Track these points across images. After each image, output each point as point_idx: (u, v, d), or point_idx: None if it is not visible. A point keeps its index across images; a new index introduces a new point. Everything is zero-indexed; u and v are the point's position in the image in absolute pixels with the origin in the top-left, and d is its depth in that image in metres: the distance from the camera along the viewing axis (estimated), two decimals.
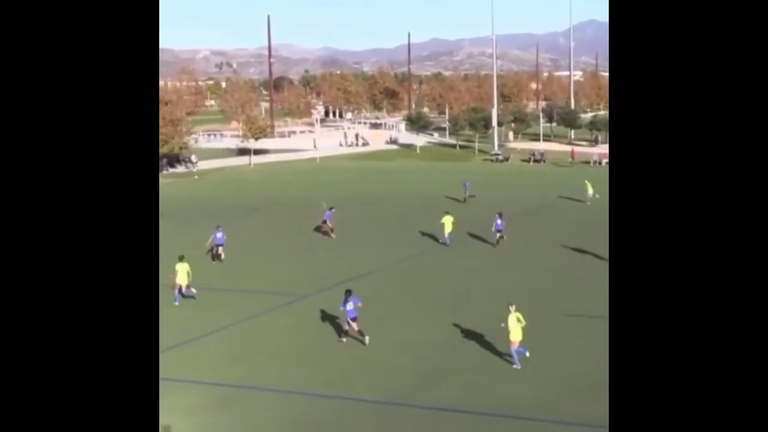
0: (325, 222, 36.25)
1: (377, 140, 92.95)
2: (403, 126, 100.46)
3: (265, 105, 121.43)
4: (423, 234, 36.02)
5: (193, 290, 25.42)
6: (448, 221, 33.31)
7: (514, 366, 18.43)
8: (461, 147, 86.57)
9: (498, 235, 33.02)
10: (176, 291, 25.23)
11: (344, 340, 20.63)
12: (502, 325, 18.71)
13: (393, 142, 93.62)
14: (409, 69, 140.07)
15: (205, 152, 75.61)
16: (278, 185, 58.83)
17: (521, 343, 18.49)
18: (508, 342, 18.55)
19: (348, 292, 20.76)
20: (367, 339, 20.18)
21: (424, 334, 21.17)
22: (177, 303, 24.95)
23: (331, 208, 37.07)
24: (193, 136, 70.17)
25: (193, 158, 70.37)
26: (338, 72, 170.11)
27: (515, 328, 18.43)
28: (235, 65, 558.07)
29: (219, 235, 31.71)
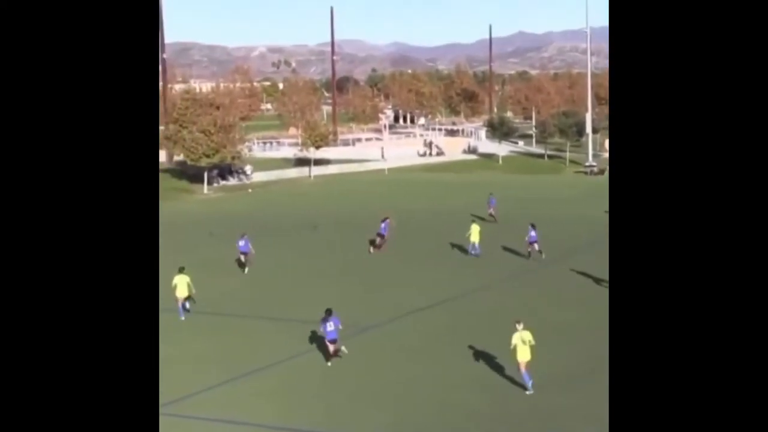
0: (381, 236, 37.56)
1: (453, 149, 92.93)
2: (483, 133, 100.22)
3: (327, 109, 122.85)
4: (503, 257, 35.81)
5: (187, 305, 27.22)
6: (474, 231, 36.05)
7: (527, 392, 19.06)
8: (550, 157, 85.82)
9: (530, 247, 34.87)
10: (179, 305, 26.86)
11: (329, 363, 21.95)
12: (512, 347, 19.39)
13: (471, 151, 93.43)
14: (490, 67, 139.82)
15: (260, 162, 76.89)
16: (341, 200, 59.45)
17: (528, 365, 19.12)
18: (516, 364, 19.24)
19: (328, 312, 22.04)
20: (344, 349, 22.13)
21: (502, 371, 20.99)
22: (183, 318, 26.66)
23: (385, 219, 38.18)
24: (247, 144, 71.35)
25: (247, 169, 71.63)
26: (409, 71, 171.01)
27: (522, 347, 19.07)
28: (293, 64, 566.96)
29: (242, 243, 33.94)
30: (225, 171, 70.84)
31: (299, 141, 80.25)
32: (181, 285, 27.01)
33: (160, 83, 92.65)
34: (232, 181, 70.84)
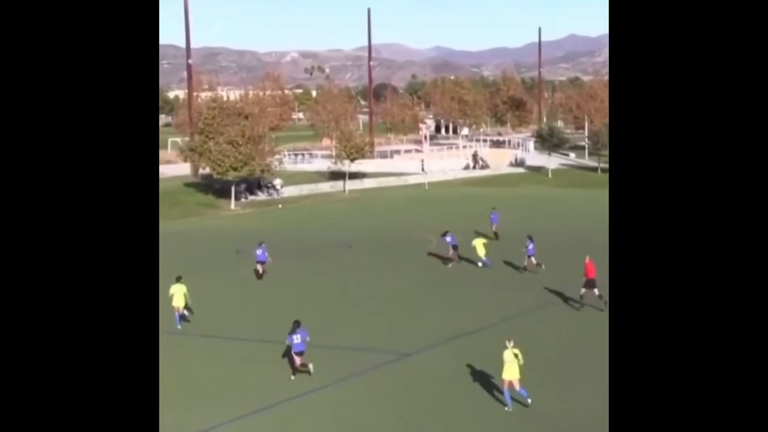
0: (455, 247, 39.13)
1: (499, 161, 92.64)
2: (531, 144, 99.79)
3: (363, 118, 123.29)
4: (546, 281, 35.49)
5: (186, 312, 28.95)
6: (479, 243, 38.23)
7: (506, 408, 20.34)
8: (604, 170, 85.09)
9: (527, 261, 36.75)
10: (176, 314, 28.67)
11: (294, 377, 23.25)
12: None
13: (519, 164, 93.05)
14: (539, 73, 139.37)
15: (291, 176, 77.26)
16: (377, 217, 59.43)
17: (521, 382, 20.29)
18: (501, 381, 20.52)
19: (296, 323, 23.40)
20: (311, 367, 22.98)
21: (566, 402, 20.77)
22: (180, 327, 28.49)
23: (446, 233, 39.48)
24: (277, 156, 71.43)
25: (277, 183, 71.90)
26: (452, 77, 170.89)
27: (511, 364, 20.27)
28: (327, 70, 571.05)
29: (259, 252, 36.38)
30: (253, 185, 71.22)
31: (333, 153, 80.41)
32: (177, 295, 28.71)
33: (186, 91, 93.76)
34: (261, 196, 71.22)
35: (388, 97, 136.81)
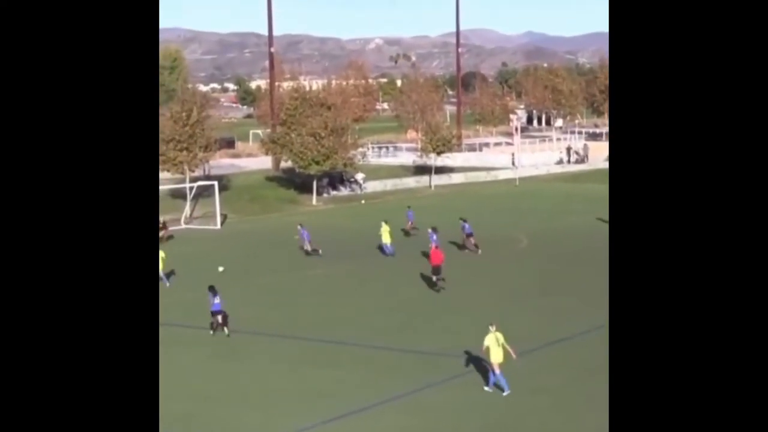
0: (470, 236, 42.44)
1: (596, 155, 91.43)
2: None
3: (450, 109, 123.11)
4: None
5: (164, 278, 36.34)
6: (385, 231, 42.39)
7: (486, 388, 22.40)
8: None
9: (466, 240, 42.36)
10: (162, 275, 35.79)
11: (212, 332, 28.94)
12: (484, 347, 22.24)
13: None
14: None
15: (374, 170, 77.58)
16: (464, 214, 58.49)
17: (501, 366, 21.98)
18: (489, 365, 22.22)
19: (211, 288, 29.67)
20: (226, 330, 28.98)
21: None
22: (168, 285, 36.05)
23: (465, 219, 43.69)
24: (361, 149, 71.64)
25: (360, 178, 72.25)
26: (545, 65, 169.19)
27: (495, 348, 21.91)
28: (413, 58, 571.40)
29: (305, 233, 43.51)
30: (336, 180, 71.66)
31: (419, 146, 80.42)
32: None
33: (268, 81, 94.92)
34: (344, 192, 71.68)
35: (476, 87, 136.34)
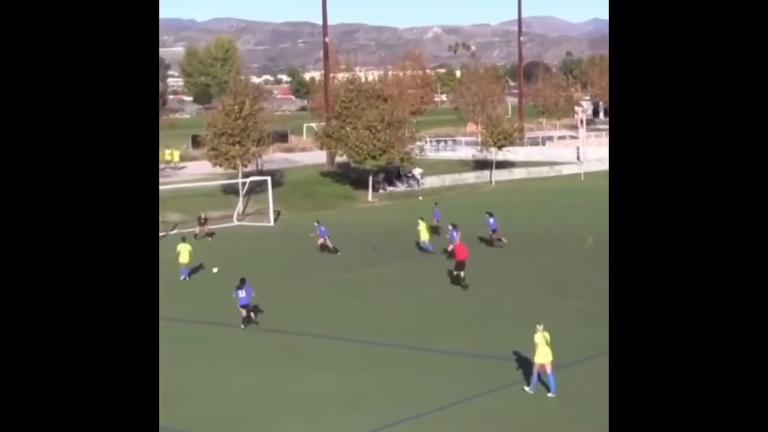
0: (494, 231, 43.21)
1: None
2: None
3: (512, 101, 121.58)
4: None
5: (186, 271, 37.36)
6: (422, 228, 42.54)
7: (526, 388, 22.09)
8: None
9: (491, 236, 42.91)
10: (183, 270, 37.14)
11: (243, 326, 29.17)
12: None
13: None
14: None
15: (432, 165, 76.63)
16: (525, 211, 57.97)
17: (553, 365, 21.76)
18: (534, 365, 21.99)
19: (242, 281, 29.32)
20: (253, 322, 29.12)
21: None
22: (184, 278, 37.04)
23: (491, 213, 43.35)
24: (418, 143, 70.74)
25: (417, 173, 71.10)
26: None
27: (542, 347, 21.68)
28: (473, 47, 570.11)
29: (323, 229, 43.85)
30: (392, 175, 70.72)
31: (479, 139, 79.39)
32: (183, 252, 36.94)
33: (322, 72, 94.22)
34: (401, 187, 70.77)
35: (539, 77, 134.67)
